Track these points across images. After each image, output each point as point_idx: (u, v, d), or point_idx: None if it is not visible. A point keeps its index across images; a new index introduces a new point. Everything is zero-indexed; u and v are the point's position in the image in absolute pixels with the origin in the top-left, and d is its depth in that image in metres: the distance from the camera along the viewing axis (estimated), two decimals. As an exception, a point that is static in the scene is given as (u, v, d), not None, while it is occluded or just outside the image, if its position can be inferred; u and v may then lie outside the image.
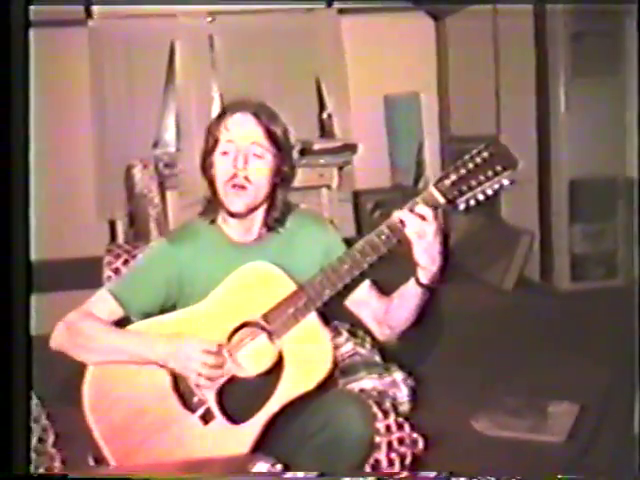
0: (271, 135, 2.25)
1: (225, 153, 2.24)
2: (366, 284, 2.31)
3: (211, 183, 2.29)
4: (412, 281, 2.15)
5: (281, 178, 2.30)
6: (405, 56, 6.09)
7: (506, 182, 2.04)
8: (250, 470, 1.73)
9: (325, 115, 6.15)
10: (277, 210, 2.32)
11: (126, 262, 2.70)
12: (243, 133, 2.24)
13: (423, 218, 2.04)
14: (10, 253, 1.77)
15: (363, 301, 2.32)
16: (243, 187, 2.22)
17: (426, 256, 2.07)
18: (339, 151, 5.86)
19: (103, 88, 5.62)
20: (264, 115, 2.26)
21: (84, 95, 5.58)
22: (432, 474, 2.13)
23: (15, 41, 1.74)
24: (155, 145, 5.81)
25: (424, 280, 2.13)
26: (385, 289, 2.34)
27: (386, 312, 2.28)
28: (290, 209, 2.36)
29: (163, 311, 2.27)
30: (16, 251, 1.76)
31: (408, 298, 2.20)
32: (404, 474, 2.30)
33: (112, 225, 5.67)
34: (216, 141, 2.26)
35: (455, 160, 2.08)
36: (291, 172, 2.33)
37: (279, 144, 2.27)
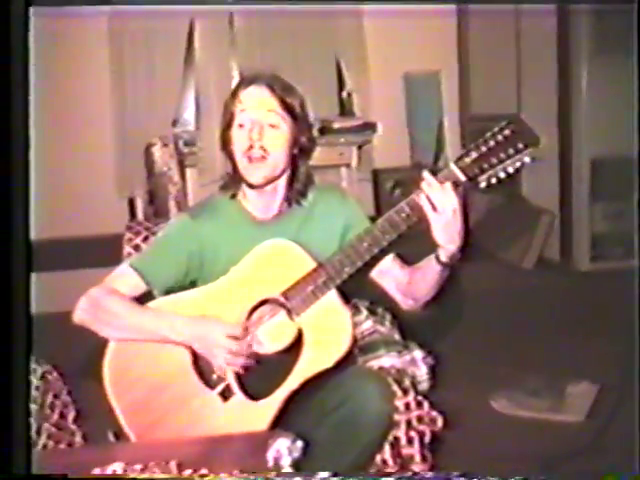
0: (286, 105, 2.25)
1: (241, 125, 2.24)
2: (390, 255, 2.31)
3: (231, 158, 2.29)
4: (432, 257, 2.16)
5: (300, 149, 2.30)
6: (425, 34, 6.05)
7: (527, 160, 2.04)
8: (271, 446, 1.74)
9: (345, 94, 6.11)
10: (300, 182, 2.32)
11: (146, 239, 2.70)
12: (257, 103, 2.24)
13: (443, 193, 2.05)
14: (24, 232, 1.77)
15: (387, 271, 2.33)
16: (261, 158, 2.22)
17: (444, 234, 2.08)
18: (359, 130, 5.84)
19: (123, 66, 5.60)
20: (278, 86, 2.26)
21: (104, 73, 5.57)
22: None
23: (17, 22, 1.74)
24: (174, 123, 5.79)
25: (443, 258, 2.14)
26: (409, 262, 2.35)
27: (408, 283, 2.29)
28: (312, 181, 2.35)
29: (184, 287, 2.28)
30: (17, 231, 1.75)
31: (428, 273, 2.22)
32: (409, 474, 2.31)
33: (132, 203, 5.68)
34: (232, 116, 2.26)
35: (475, 139, 2.08)
36: (310, 143, 2.33)
37: (295, 114, 2.27)
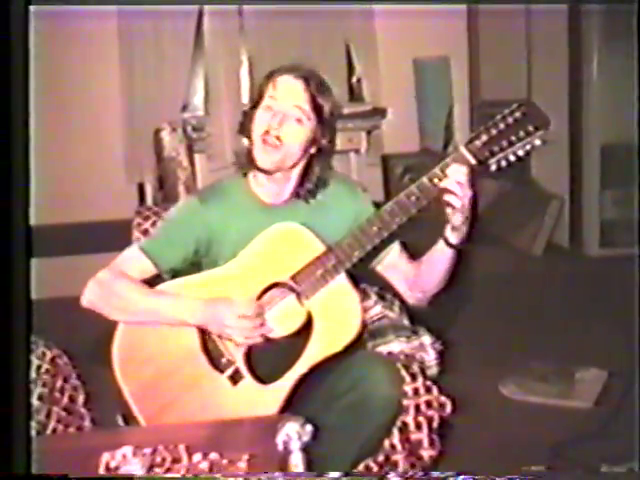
0: (315, 104, 2.25)
1: (268, 108, 2.24)
2: (396, 249, 2.32)
3: (248, 137, 2.29)
4: (441, 243, 2.16)
5: (318, 149, 2.29)
6: (435, 20, 6.02)
7: (538, 142, 2.03)
8: (280, 430, 1.74)
9: (354, 79, 6.10)
10: (311, 182, 2.31)
11: (155, 224, 2.71)
12: (288, 94, 2.23)
13: (457, 178, 2.05)
14: (24, 218, 1.76)
15: (393, 265, 2.33)
16: (274, 146, 2.21)
17: (460, 216, 2.08)
18: (368, 115, 5.82)
19: (132, 52, 5.60)
20: (313, 83, 2.26)
21: (113, 59, 5.56)
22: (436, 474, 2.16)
23: (16, 20, 1.74)
24: (184, 109, 5.79)
25: (453, 240, 2.14)
26: (415, 253, 2.34)
27: (416, 276, 2.30)
28: (325, 184, 2.34)
29: (191, 270, 2.28)
30: (17, 216, 1.75)
31: (437, 261, 2.22)
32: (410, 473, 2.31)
33: (141, 188, 5.68)
34: (261, 96, 2.26)
35: (485, 124, 2.07)
36: (329, 146, 2.32)
37: (322, 115, 2.26)
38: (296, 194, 2.32)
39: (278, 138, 2.21)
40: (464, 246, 2.16)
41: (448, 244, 2.15)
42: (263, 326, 2.18)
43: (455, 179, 2.06)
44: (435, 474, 2.17)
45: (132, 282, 2.25)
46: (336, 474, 1.97)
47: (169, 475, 1.76)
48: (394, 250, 2.32)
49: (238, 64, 5.76)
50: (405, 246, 2.35)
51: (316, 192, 2.33)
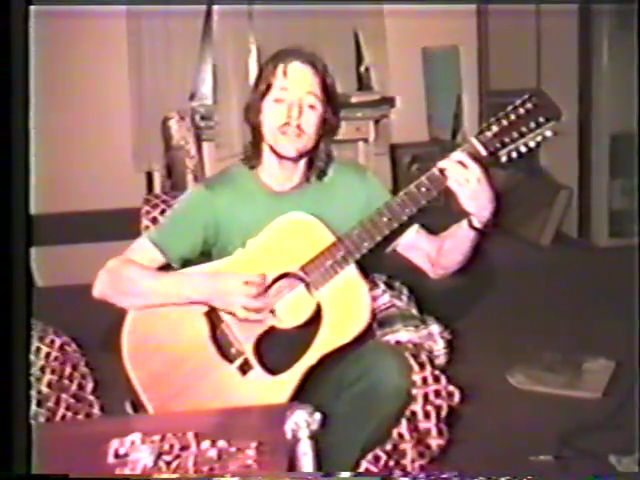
0: (325, 86, 2.25)
1: (279, 100, 2.22)
2: (413, 228, 2.30)
3: (256, 129, 2.29)
4: (464, 223, 2.15)
5: (327, 129, 2.29)
6: (444, 8, 6.00)
7: (549, 133, 2.03)
8: (289, 418, 1.74)
9: (363, 68, 6.09)
10: (321, 160, 2.31)
11: (163, 212, 2.71)
12: (300, 82, 2.22)
13: (463, 165, 2.04)
14: (24, 206, 1.76)
15: (413, 244, 2.33)
16: (296, 135, 2.21)
17: (473, 203, 2.07)
18: (376, 104, 5.81)
19: (140, 39, 5.60)
20: (320, 65, 2.25)
21: (121, 47, 5.56)
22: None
23: (17, 20, 1.73)
24: (192, 97, 5.79)
25: (477, 224, 2.13)
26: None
27: (438, 253, 2.28)
28: (332, 158, 2.35)
29: (201, 259, 2.28)
30: (19, 205, 1.74)
31: (460, 240, 2.21)
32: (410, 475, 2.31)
33: (149, 177, 5.69)
34: (268, 87, 2.24)
35: (493, 114, 2.07)
36: (337, 123, 2.32)
37: (330, 95, 2.27)
38: (306, 178, 2.32)
39: (299, 127, 2.20)
40: (489, 230, 2.15)
41: (472, 227, 2.14)
42: (268, 305, 2.17)
43: (457, 163, 2.06)
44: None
45: (139, 266, 2.25)
46: (346, 474, 1.98)
47: (167, 475, 1.75)
48: (411, 230, 2.31)
49: (246, 52, 5.75)
50: (423, 226, 2.34)
51: (327, 169, 2.33)
